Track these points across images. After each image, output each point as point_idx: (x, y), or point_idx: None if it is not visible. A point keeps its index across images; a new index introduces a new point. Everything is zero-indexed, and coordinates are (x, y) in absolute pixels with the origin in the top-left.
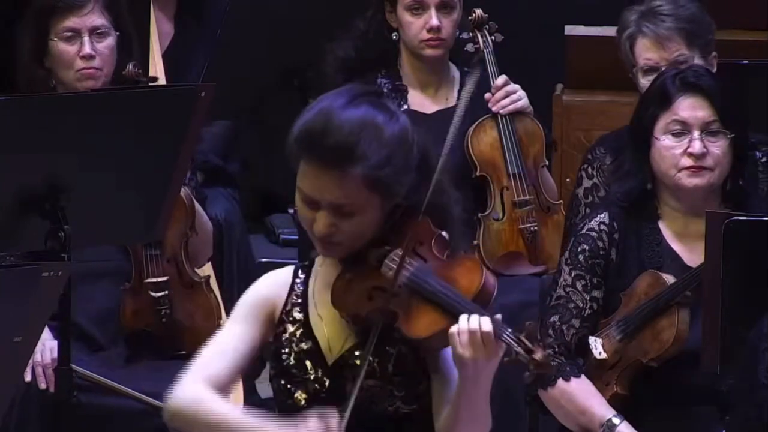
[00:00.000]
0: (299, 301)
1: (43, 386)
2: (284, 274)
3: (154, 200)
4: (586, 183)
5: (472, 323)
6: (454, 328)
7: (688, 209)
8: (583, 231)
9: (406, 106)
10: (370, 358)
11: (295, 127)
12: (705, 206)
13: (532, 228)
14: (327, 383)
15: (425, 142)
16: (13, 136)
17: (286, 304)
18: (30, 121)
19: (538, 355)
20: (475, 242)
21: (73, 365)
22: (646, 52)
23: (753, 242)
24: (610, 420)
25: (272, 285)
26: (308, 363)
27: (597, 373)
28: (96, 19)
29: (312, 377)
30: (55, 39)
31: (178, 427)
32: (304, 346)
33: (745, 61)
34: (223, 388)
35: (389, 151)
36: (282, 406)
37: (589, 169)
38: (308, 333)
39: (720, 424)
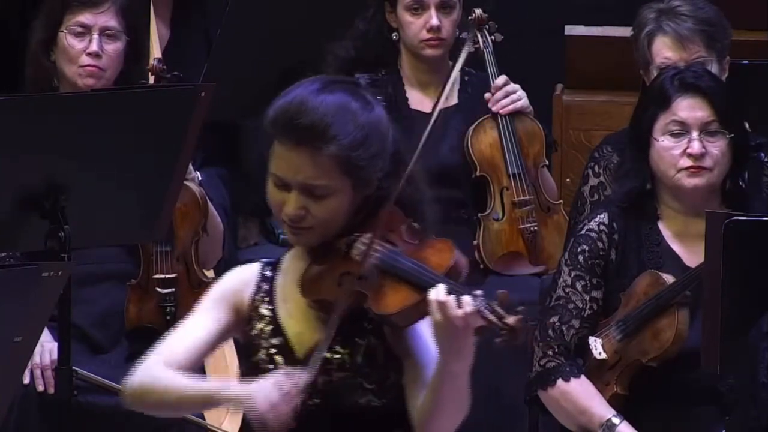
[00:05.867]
0: (267, 297)
1: (41, 388)
2: (250, 270)
3: (154, 200)
4: (593, 181)
5: (451, 293)
6: (435, 298)
7: (687, 210)
8: (583, 231)
9: (380, 97)
10: (341, 350)
11: (270, 111)
12: (705, 206)
13: (532, 228)
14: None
15: (400, 137)
16: (13, 136)
17: (252, 301)
18: (30, 121)
19: (511, 320)
20: (475, 242)
21: (73, 366)
22: (665, 51)
23: (753, 242)
24: (609, 420)
25: (238, 279)
26: (279, 359)
27: (597, 373)
28: (109, 20)
29: None
30: (65, 32)
31: (138, 407)
32: (274, 341)
33: (745, 61)
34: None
35: (363, 134)
36: None
37: (596, 168)
38: (277, 329)
39: (720, 424)
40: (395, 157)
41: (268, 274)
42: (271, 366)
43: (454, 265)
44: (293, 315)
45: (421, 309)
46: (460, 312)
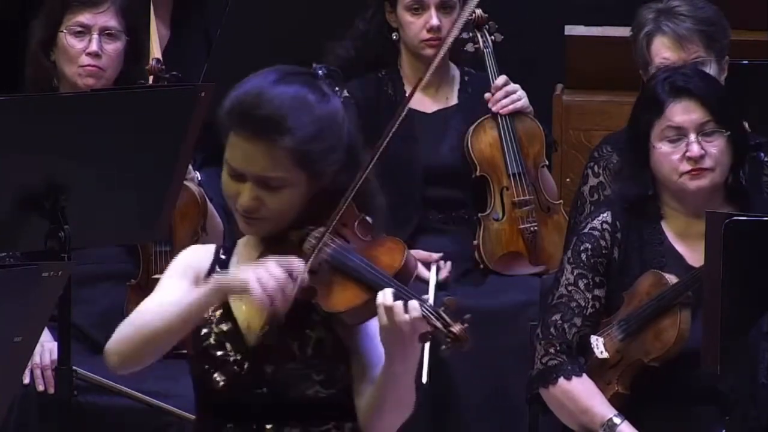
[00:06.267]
0: None
1: (41, 388)
2: (207, 251)
3: (155, 200)
4: (592, 181)
5: (398, 298)
6: (383, 302)
7: (691, 210)
8: (586, 230)
9: (337, 88)
10: (289, 341)
11: (226, 101)
12: (708, 206)
13: (532, 228)
14: (246, 365)
15: (356, 130)
16: (13, 136)
17: (206, 282)
18: (30, 121)
19: (456, 328)
20: (475, 242)
21: (74, 366)
22: (664, 51)
23: (753, 242)
24: (611, 420)
25: (196, 256)
26: (228, 345)
27: (598, 371)
28: (109, 20)
29: (231, 359)
30: (65, 32)
31: (126, 366)
32: (223, 327)
33: (745, 61)
34: None
35: (318, 127)
36: (201, 391)
37: (596, 167)
38: (227, 314)
39: (721, 424)
40: (350, 150)
41: (223, 257)
42: (221, 352)
43: (404, 266)
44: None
45: (369, 309)
46: (406, 317)
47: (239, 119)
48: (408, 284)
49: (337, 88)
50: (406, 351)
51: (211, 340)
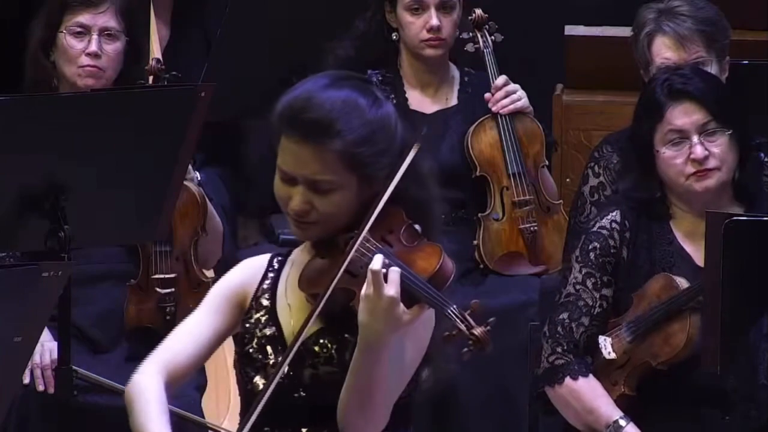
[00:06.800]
0: (269, 289)
1: (41, 388)
2: (259, 261)
3: (155, 200)
4: (593, 181)
5: (376, 284)
6: (371, 267)
7: (699, 211)
8: (595, 229)
9: (393, 99)
10: (328, 345)
11: (278, 104)
12: (716, 206)
13: (531, 228)
14: (286, 369)
15: (409, 135)
16: (13, 136)
17: (257, 291)
18: (30, 121)
19: (478, 331)
20: (475, 242)
21: (74, 366)
22: (665, 51)
23: (753, 242)
24: (616, 422)
25: (246, 271)
26: (269, 348)
27: (605, 372)
28: (109, 20)
29: (272, 362)
30: (64, 32)
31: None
32: (267, 332)
33: (745, 61)
34: (181, 377)
35: (369, 131)
36: (243, 392)
37: (596, 168)
38: (273, 319)
39: (722, 425)
40: (403, 154)
41: (276, 265)
42: (261, 356)
43: (439, 271)
44: (292, 307)
45: None
46: (384, 287)
47: (289, 123)
48: (442, 289)
49: (392, 95)
50: (381, 332)
51: (254, 344)
